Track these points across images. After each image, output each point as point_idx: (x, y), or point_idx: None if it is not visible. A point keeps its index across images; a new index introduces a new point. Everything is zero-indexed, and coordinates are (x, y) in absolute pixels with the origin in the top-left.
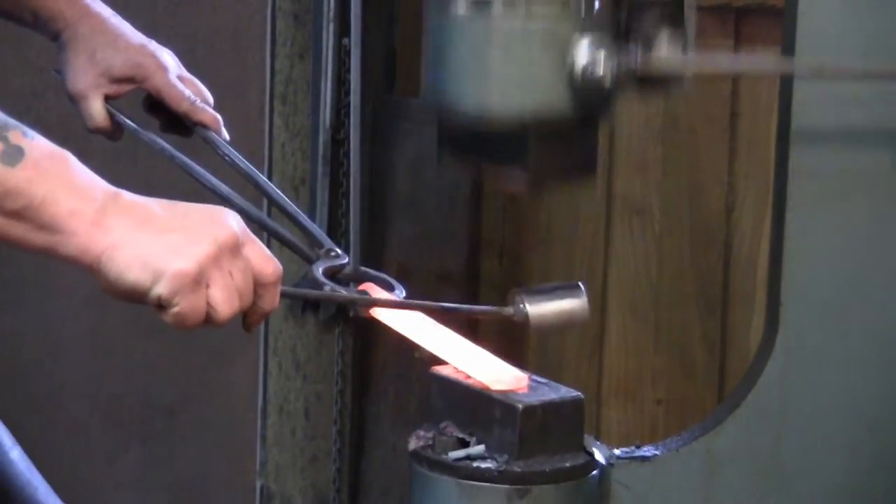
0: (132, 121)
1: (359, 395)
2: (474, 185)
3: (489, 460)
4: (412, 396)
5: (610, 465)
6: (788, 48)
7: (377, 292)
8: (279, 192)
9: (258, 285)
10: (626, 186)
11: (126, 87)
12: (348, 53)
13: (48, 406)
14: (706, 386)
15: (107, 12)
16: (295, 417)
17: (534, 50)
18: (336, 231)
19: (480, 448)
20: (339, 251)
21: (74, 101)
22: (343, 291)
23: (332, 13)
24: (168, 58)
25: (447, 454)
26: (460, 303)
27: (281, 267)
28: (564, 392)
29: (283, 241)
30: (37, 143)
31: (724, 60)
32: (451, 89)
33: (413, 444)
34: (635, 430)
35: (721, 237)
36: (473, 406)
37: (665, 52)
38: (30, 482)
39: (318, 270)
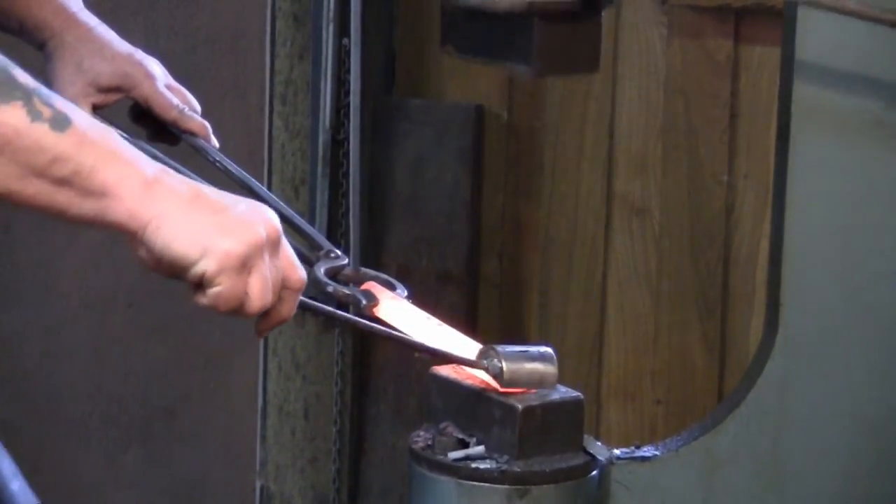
0: (121, 130)
1: (358, 395)
2: (474, 185)
3: (489, 461)
4: (412, 397)
5: (610, 464)
6: (788, 48)
7: (379, 291)
8: (274, 196)
9: (283, 288)
10: (626, 187)
11: (114, 97)
12: (348, 54)
13: (48, 406)
14: (706, 386)
15: (93, 21)
16: (294, 418)
17: None
18: (336, 231)
19: (480, 448)
20: (338, 252)
21: None
22: (345, 291)
23: (331, 13)
24: (155, 67)
25: (447, 454)
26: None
27: (305, 276)
28: (564, 392)
29: None
30: (82, 113)
31: None
32: None
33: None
34: (635, 431)
35: (721, 237)
36: (473, 406)
37: None
38: None
39: (320, 271)
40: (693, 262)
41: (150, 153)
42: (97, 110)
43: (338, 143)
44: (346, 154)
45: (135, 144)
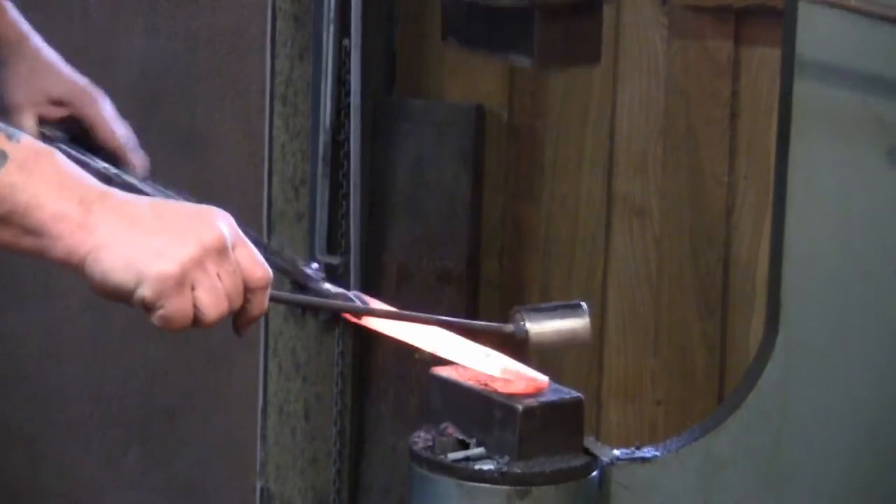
0: (66, 145)
1: (359, 396)
2: (475, 185)
3: (489, 461)
4: (412, 397)
5: (610, 465)
6: (788, 48)
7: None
8: None
9: (247, 289)
10: (626, 187)
11: (61, 111)
12: (348, 54)
13: (48, 406)
14: (706, 387)
15: (43, 45)
16: (295, 418)
17: None
18: (336, 231)
19: (480, 449)
20: (312, 269)
21: (6, 112)
22: (332, 289)
23: (332, 14)
24: (104, 97)
25: (447, 455)
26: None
27: (270, 272)
28: (564, 393)
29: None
30: (21, 146)
31: None
32: None
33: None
34: (635, 431)
35: (721, 238)
36: (473, 407)
37: None
38: None
39: (313, 272)
40: (693, 263)
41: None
42: (42, 124)
43: (338, 143)
44: (347, 154)
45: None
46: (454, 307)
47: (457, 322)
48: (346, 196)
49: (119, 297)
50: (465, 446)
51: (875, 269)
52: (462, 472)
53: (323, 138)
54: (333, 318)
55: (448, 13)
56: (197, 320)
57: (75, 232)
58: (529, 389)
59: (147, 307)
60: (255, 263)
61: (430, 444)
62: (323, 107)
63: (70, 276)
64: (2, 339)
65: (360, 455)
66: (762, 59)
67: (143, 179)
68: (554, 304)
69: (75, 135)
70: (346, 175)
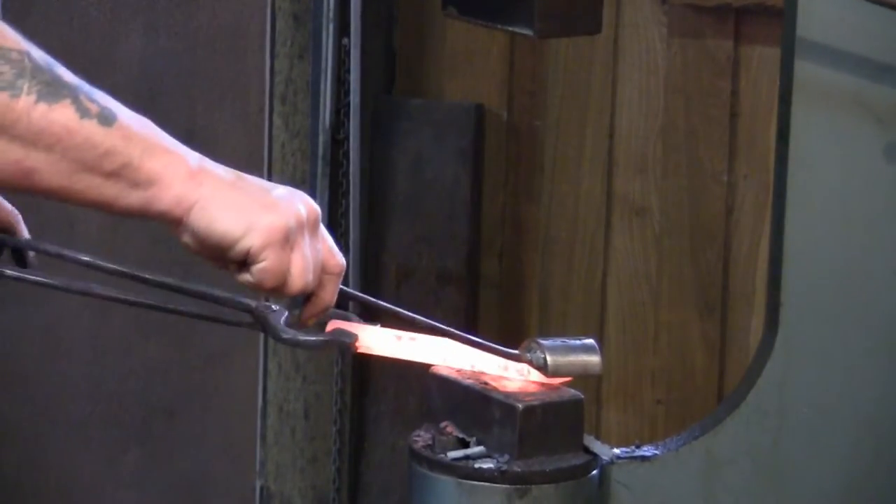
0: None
1: (358, 395)
2: (474, 184)
3: (489, 460)
4: (412, 396)
5: (610, 464)
6: (788, 48)
7: (349, 325)
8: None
9: (323, 273)
10: (626, 187)
11: None
12: (348, 53)
13: (48, 406)
14: (706, 386)
15: None
16: (294, 418)
17: None
18: (336, 231)
19: (480, 448)
20: (272, 305)
21: None
22: (322, 338)
23: (331, 13)
24: None
25: (447, 454)
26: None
27: (345, 262)
28: (564, 392)
29: (212, 319)
30: (122, 107)
31: None
32: None
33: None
34: (635, 430)
35: (721, 237)
36: (473, 406)
37: None
38: None
39: (281, 324)
40: (693, 262)
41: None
42: None
43: (338, 142)
44: (346, 154)
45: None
46: (454, 307)
47: (477, 342)
48: (346, 195)
49: (220, 248)
50: (465, 445)
51: (875, 269)
52: (462, 470)
53: (322, 137)
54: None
55: None
56: (285, 285)
57: (187, 181)
58: (551, 385)
59: (249, 259)
60: (333, 251)
61: (429, 442)
62: (322, 106)
63: (70, 275)
64: (2, 339)
65: (359, 454)
66: (762, 58)
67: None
68: (568, 339)
69: None
70: (346, 174)
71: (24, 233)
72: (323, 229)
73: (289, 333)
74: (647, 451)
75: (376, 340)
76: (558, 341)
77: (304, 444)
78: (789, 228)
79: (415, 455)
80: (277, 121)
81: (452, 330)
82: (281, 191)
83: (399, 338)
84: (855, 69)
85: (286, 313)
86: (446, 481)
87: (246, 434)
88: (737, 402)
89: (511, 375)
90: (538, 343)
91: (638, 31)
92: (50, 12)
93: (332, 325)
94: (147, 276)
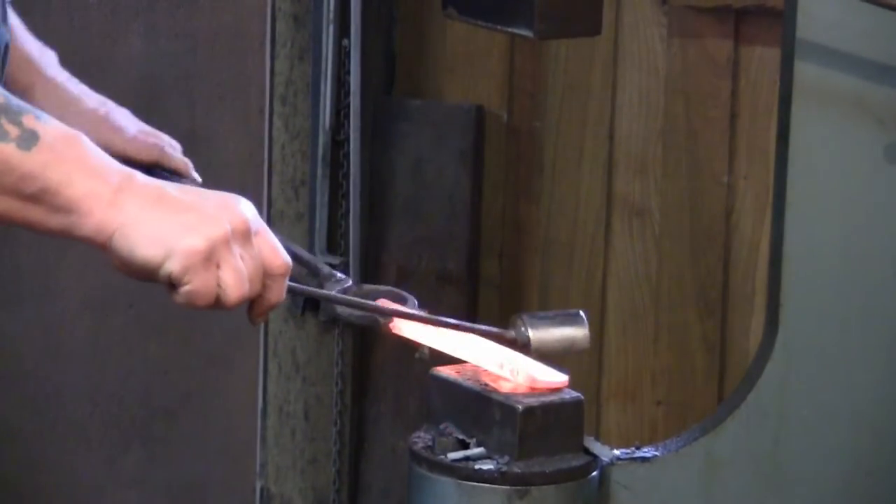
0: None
1: (358, 396)
2: (474, 185)
3: (489, 461)
4: (412, 398)
5: (610, 465)
6: (788, 49)
7: (391, 306)
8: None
9: (266, 276)
10: (626, 188)
11: None
12: (348, 55)
13: (48, 406)
14: (706, 387)
15: (62, 77)
16: (295, 419)
17: None
18: (336, 232)
19: (480, 449)
20: (339, 274)
21: None
22: (357, 314)
23: (331, 14)
24: (121, 118)
25: (447, 455)
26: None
27: (290, 260)
28: (564, 393)
29: None
30: (50, 127)
31: None
32: None
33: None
34: (635, 432)
35: (721, 238)
36: (473, 407)
37: None
38: None
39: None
40: (693, 263)
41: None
42: None
43: (338, 143)
44: (347, 155)
45: None
46: (454, 307)
47: (459, 324)
48: (346, 196)
49: (145, 273)
50: (465, 446)
51: (875, 269)
52: (462, 471)
53: (322, 139)
54: (333, 319)
55: None
56: (219, 300)
57: (105, 209)
58: (552, 387)
59: (173, 282)
60: (275, 251)
61: (429, 443)
62: (322, 107)
63: (70, 277)
64: (2, 339)
65: (359, 455)
66: (762, 58)
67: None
68: (554, 312)
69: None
70: (346, 175)
71: (172, 161)
72: (263, 231)
73: (340, 294)
74: (647, 452)
75: (407, 324)
76: (543, 315)
77: (304, 445)
78: (789, 229)
79: (415, 456)
80: (277, 122)
81: (441, 319)
82: (207, 205)
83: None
84: (855, 70)
85: (347, 285)
86: (446, 482)
87: (246, 435)
88: (737, 403)
89: (505, 375)
90: (522, 319)
91: (638, 32)
92: (50, 13)
93: (379, 303)
94: None
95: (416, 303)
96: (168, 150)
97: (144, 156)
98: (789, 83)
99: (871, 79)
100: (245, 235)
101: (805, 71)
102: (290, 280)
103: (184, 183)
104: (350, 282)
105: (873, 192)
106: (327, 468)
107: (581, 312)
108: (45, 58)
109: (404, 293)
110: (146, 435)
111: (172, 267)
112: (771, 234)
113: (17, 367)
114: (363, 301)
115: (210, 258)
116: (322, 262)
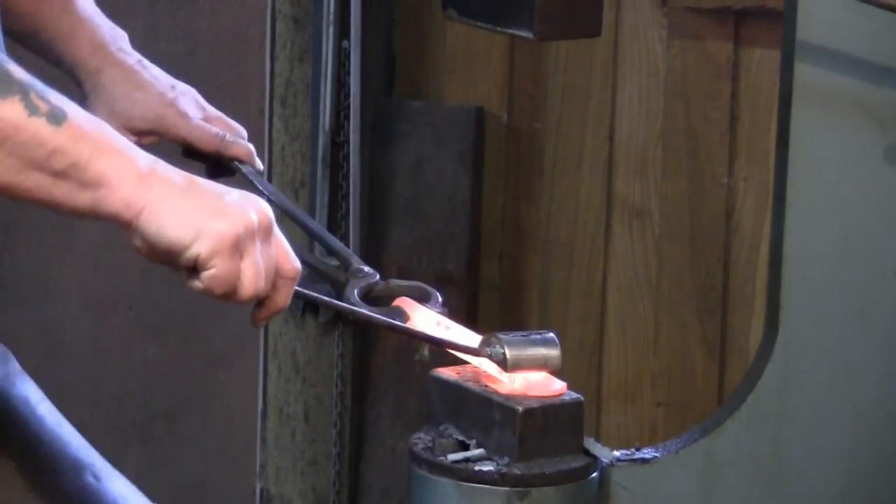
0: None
1: (358, 397)
2: (474, 186)
3: (489, 462)
4: (412, 399)
5: (610, 466)
6: (788, 50)
7: (409, 306)
8: (310, 218)
9: (277, 277)
10: (626, 189)
11: (149, 139)
12: (348, 56)
13: None
14: (706, 388)
15: (132, 59)
16: (294, 420)
17: None
18: (336, 233)
19: (480, 450)
20: (367, 269)
21: None
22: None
23: (331, 16)
24: (190, 102)
25: (447, 456)
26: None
27: (300, 266)
28: (564, 394)
29: (315, 268)
30: (77, 107)
31: None
32: None
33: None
34: (635, 433)
35: (721, 240)
36: (473, 409)
37: None
38: (60, 437)
39: (353, 293)
40: (693, 264)
41: None
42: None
43: (338, 145)
44: (347, 156)
45: None
46: (454, 309)
47: (438, 340)
48: (346, 198)
49: (169, 254)
50: (465, 447)
51: (875, 270)
52: (462, 473)
53: (322, 140)
54: (333, 320)
55: None
56: (235, 292)
57: (136, 183)
58: (549, 394)
59: (198, 266)
60: (287, 254)
61: (429, 445)
62: (322, 109)
63: (70, 277)
64: (2, 339)
65: (359, 457)
66: (762, 60)
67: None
68: (527, 333)
69: (188, 148)
70: (346, 177)
71: (233, 149)
72: (278, 234)
73: (352, 301)
74: (647, 453)
75: (422, 323)
76: (518, 335)
77: (304, 446)
78: (789, 230)
79: (415, 457)
80: (277, 123)
81: (422, 333)
82: (234, 196)
83: (438, 324)
84: (855, 71)
85: (373, 280)
86: (446, 484)
87: (246, 437)
88: (737, 404)
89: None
90: (497, 337)
91: (638, 33)
92: None
93: (397, 301)
94: None
95: (440, 299)
96: (229, 139)
97: (205, 145)
98: (789, 84)
99: (871, 80)
100: (267, 232)
101: (805, 72)
102: (319, 271)
103: (244, 169)
104: (377, 276)
105: (873, 192)
106: (327, 469)
107: (553, 335)
108: (117, 41)
109: (430, 289)
110: (146, 436)
111: (201, 248)
112: (771, 234)
113: None
114: (354, 308)
115: (237, 246)
116: (354, 257)
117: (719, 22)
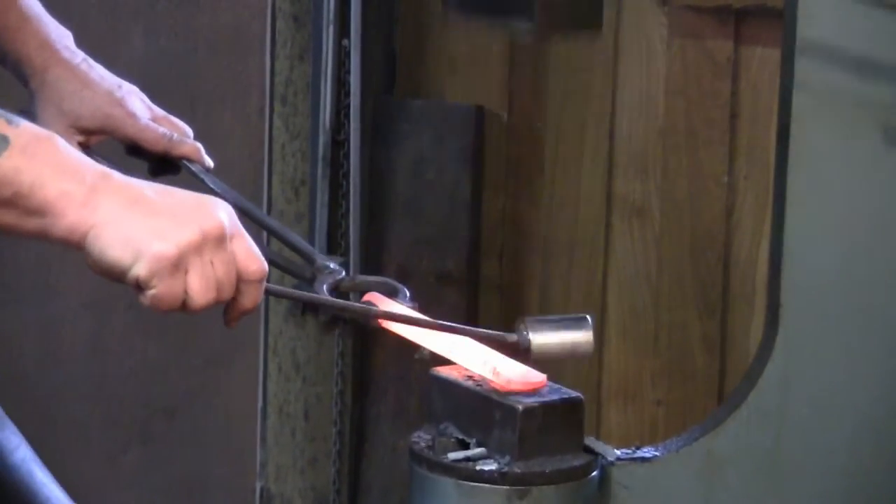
0: (113, 165)
1: (359, 396)
2: (474, 185)
3: (489, 461)
4: (412, 398)
5: (610, 465)
6: (788, 49)
7: (379, 300)
8: (266, 214)
9: (241, 281)
10: (626, 187)
11: (97, 138)
12: (348, 55)
13: (48, 406)
14: (706, 387)
15: (77, 58)
16: (295, 419)
17: None
18: (336, 232)
19: (480, 449)
20: (332, 265)
21: None
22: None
23: (331, 14)
24: (137, 102)
25: (447, 455)
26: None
27: (266, 266)
28: (564, 393)
29: (276, 264)
30: (22, 130)
31: None
32: None
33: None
34: (635, 431)
35: (721, 238)
36: (473, 407)
37: None
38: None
39: (322, 289)
40: (693, 263)
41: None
42: (84, 148)
43: (338, 143)
44: (347, 155)
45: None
46: (454, 308)
47: (459, 328)
48: (346, 196)
49: (114, 275)
50: (466, 446)
51: (875, 269)
52: (462, 472)
53: (323, 139)
54: (334, 319)
55: None
56: (185, 305)
57: (79, 209)
58: (527, 388)
59: (140, 286)
60: (251, 256)
61: (430, 444)
62: (323, 107)
63: (70, 276)
64: (2, 339)
65: (359, 455)
66: (762, 59)
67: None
68: (559, 316)
69: (132, 146)
70: (346, 175)
71: (181, 148)
72: (239, 236)
73: (323, 296)
74: (647, 451)
75: (395, 317)
76: (546, 319)
77: (304, 445)
78: (789, 229)
79: (415, 456)
80: (277, 122)
81: (441, 322)
82: (186, 206)
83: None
84: (855, 70)
85: (340, 276)
86: (447, 482)
87: (246, 435)
88: (737, 402)
89: (486, 374)
90: (525, 322)
91: (638, 32)
92: (50, 13)
93: (367, 296)
94: None
95: (408, 294)
96: (176, 139)
97: (153, 145)
98: (790, 84)
99: (872, 79)
100: (218, 241)
101: (805, 71)
102: (286, 268)
103: (194, 167)
104: (343, 273)
105: (873, 192)
106: (327, 468)
107: (587, 317)
108: (62, 39)
109: (397, 284)
110: (146, 435)
111: (139, 270)
112: (771, 234)
113: (18, 368)
114: (348, 303)
115: (178, 265)
116: (317, 253)
117: (720, 21)
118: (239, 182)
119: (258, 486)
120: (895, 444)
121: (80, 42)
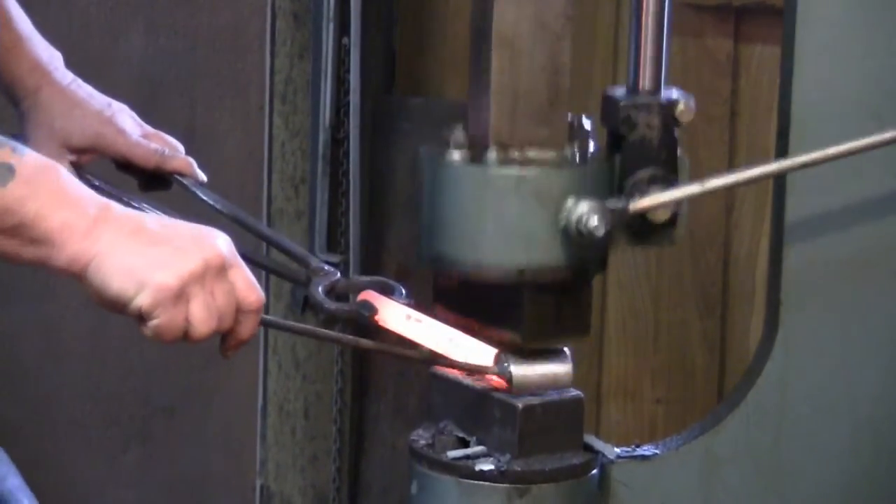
0: (106, 183)
1: (358, 394)
2: None
3: (489, 459)
4: (412, 396)
5: (610, 463)
6: (788, 48)
7: (376, 299)
8: (259, 222)
9: (239, 311)
10: None
11: (88, 157)
12: (348, 53)
13: (48, 406)
14: (706, 385)
15: (67, 78)
16: (294, 417)
17: (528, 202)
18: (336, 230)
19: (480, 447)
20: (327, 267)
21: None
22: (345, 308)
23: (331, 12)
24: (127, 119)
25: (447, 453)
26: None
27: (263, 297)
28: (564, 391)
29: (272, 270)
30: (26, 159)
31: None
32: (444, 242)
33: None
34: (635, 430)
35: (721, 237)
36: (473, 405)
37: (658, 205)
38: None
39: (318, 291)
40: (693, 262)
41: (136, 206)
42: (76, 168)
43: (338, 141)
44: (347, 153)
45: (123, 199)
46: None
47: (443, 359)
48: (346, 194)
49: (116, 305)
50: (465, 444)
51: (875, 269)
52: (462, 470)
53: (322, 137)
54: (333, 316)
55: (439, 282)
56: (187, 335)
57: (80, 241)
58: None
59: (143, 316)
60: (249, 287)
61: (430, 442)
62: (322, 105)
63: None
64: (1, 339)
65: (359, 453)
66: (762, 57)
67: (199, 184)
68: (539, 348)
69: (123, 163)
70: (346, 173)
71: (173, 164)
72: (238, 266)
73: (319, 298)
74: (646, 450)
75: (391, 316)
76: (528, 351)
77: (304, 443)
78: (789, 228)
79: (415, 454)
80: (277, 120)
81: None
82: (183, 240)
83: (408, 317)
84: (855, 70)
85: (335, 278)
86: (447, 481)
87: (246, 433)
88: (737, 401)
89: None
90: (507, 355)
91: None
92: (50, 12)
93: (363, 295)
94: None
95: (404, 292)
96: (167, 154)
97: (145, 161)
98: (789, 81)
99: (872, 78)
100: (219, 271)
101: (805, 69)
102: (282, 273)
103: (186, 181)
104: (338, 275)
105: (874, 191)
106: (327, 466)
107: (566, 350)
108: (53, 60)
109: (393, 283)
110: (146, 433)
111: (142, 301)
112: (771, 233)
113: (17, 367)
114: (341, 335)
115: (181, 295)
116: (312, 256)
117: (720, 19)
118: (239, 180)
119: (258, 484)
120: (895, 442)
121: (80, 42)
